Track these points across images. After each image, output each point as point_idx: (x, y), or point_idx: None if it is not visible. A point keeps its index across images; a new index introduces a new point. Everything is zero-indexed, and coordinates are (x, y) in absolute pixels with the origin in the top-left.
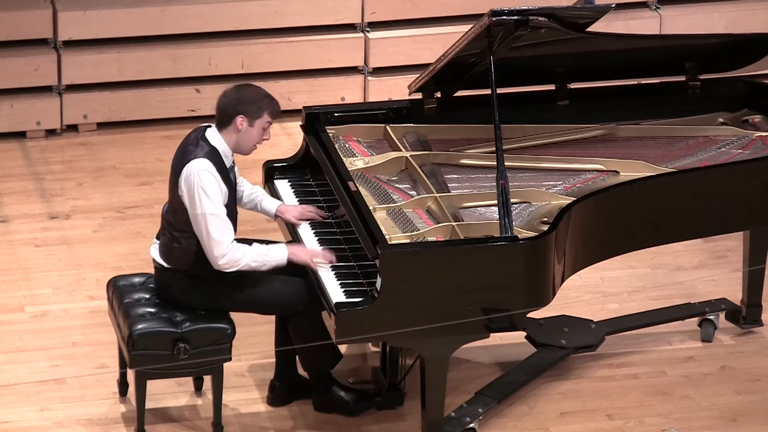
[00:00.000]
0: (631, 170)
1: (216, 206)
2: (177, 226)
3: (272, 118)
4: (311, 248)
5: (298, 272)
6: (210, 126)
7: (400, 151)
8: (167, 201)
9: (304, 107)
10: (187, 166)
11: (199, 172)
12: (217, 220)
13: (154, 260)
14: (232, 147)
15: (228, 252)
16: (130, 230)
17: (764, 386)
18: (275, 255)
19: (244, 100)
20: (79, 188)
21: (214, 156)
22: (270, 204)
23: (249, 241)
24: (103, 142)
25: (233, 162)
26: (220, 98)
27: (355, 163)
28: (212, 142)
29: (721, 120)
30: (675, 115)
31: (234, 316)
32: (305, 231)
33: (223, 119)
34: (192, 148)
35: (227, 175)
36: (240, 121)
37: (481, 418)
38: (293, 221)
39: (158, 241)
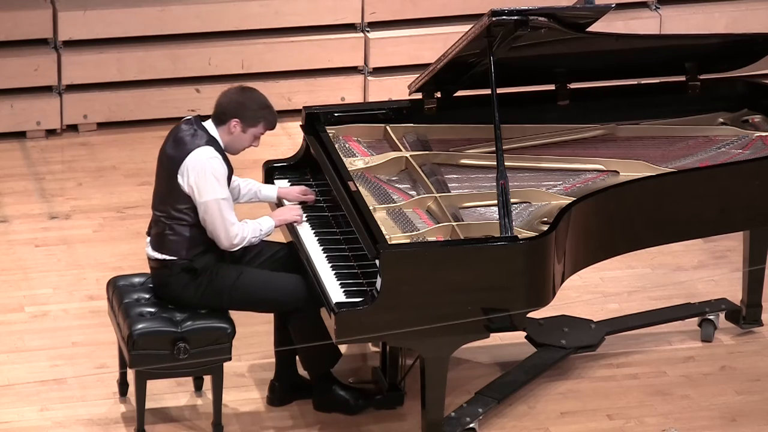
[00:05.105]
0: (631, 170)
1: (226, 191)
2: (172, 213)
3: (266, 130)
4: (289, 207)
5: (297, 269)
6: (204, 119)
7: (400, 151)
8: (154, 194)
9: (304, 107)
10: (193, 154)
11: (210, 159)
12: (228, 203)
13: (148, 258)
14: (222, 145)
15: (239, 232)
16: (130, 230)
17: (764, 386)
18: (266, 226)
19: (245, 105)
20: (79, 188)
21: (215, 144)
22: (269, 190)
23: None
24: (103, 142)
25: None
26: (222, 95)
27: (355, 163)
28: (211, 133)
29: (721, 120)
30: (675, 115)
31: (234, 315)
32: (305, 231)
33: (219, 116)
34: (190, 138)
35: (227, 161)
36: (234, 124)
37: (481, 418)
38: (300, 198)
39: (149, 237)
